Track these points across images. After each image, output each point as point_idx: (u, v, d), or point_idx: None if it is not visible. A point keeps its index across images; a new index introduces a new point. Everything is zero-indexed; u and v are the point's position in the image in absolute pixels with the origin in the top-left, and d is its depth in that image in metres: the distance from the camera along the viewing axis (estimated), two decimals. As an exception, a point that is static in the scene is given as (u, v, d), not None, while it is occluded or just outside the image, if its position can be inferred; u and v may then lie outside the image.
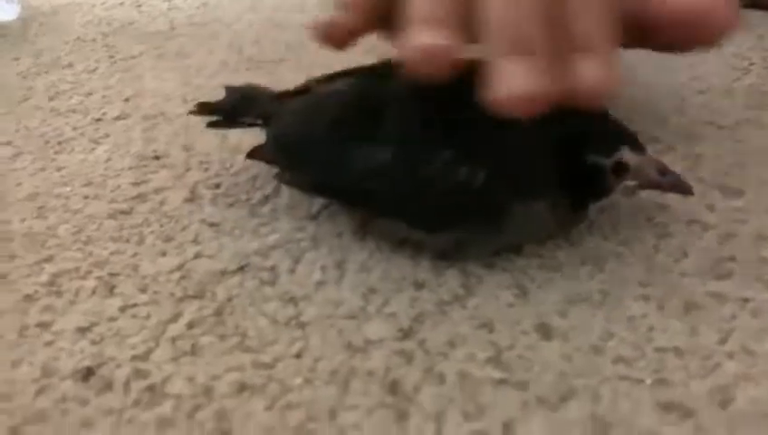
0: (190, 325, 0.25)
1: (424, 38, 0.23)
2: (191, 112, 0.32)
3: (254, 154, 0.30)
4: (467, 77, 0.25)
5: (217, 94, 0.33)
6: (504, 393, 0.21)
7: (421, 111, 0.26)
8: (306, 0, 0.58)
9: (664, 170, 0.26)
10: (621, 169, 0.26)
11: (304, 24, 0.30)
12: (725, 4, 0.25)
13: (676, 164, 0.29)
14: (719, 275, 0.25)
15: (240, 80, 0.35)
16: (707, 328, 0.23)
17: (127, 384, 0.23)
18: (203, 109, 0.32)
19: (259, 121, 0.30)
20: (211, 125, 0.32)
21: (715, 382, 0.21)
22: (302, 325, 0.24)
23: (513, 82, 0.22)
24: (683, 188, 0.26)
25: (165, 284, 0.27)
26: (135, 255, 0.29)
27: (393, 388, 0.22)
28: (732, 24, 0.25)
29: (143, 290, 0.27)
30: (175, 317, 0.25)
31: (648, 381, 0.21)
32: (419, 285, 0.26)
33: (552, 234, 0.26)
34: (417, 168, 0.25)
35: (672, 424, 0.20)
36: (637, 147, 0.26)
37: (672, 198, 0.30)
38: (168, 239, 0.29)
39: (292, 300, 0.26)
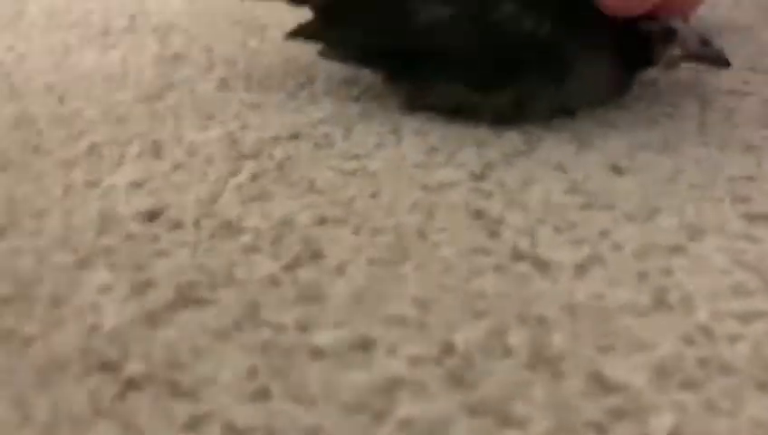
0: (254, 177, 0.24)
1: None
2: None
3: (295, 33, 0.30)
4: None
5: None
6: (592, 214, 0.21)
7: None
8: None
9: (705, 41, 0.27)
10: (669, 35, 0.26)
11: None
12: None
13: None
14: (769, 125, 0.26)
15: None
16: (771, 161, 0.24)
17: (197, 223, 0.21)
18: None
19: None
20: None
21: (791, 198, 0.22)
22: (370, 174, 0.24)
23: None
24: (722, 61, 0.27)
25: (216, 147, 0.26)
26: (176, 128, 0.27)
27: (479, 214, 0.21)
28: None
29: (193, 154, 0.25)
30: (234, 172, 0.24)
31: (728, 199, 0.22)
32: (481, 143, 0.26)
33: (607, 94, 0.27)
34: (482, 19, 0.25)
35: (760, 228, 0.20)
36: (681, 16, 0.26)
37: (706, 74, 0.31)
38: (209, 117, 0.28)
39: (355, 157, 0.25)
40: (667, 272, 0.19)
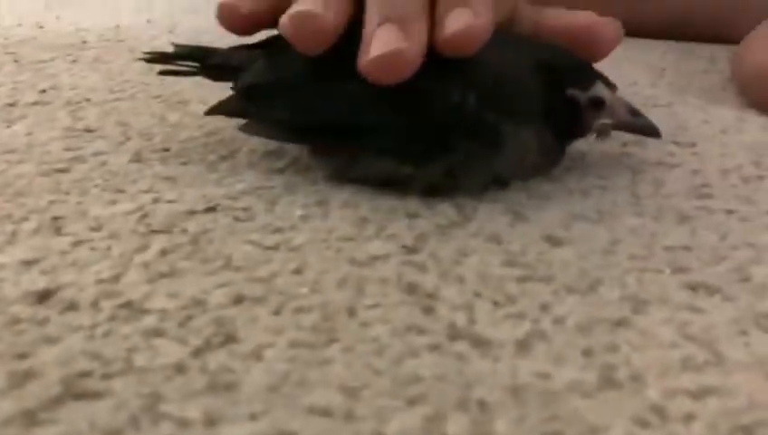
0: (163, 253, 0.21)
1: (299, 6, 0.24)
2: (142, 59, 0.30)
3: (216, 109, 0.28)
4: None
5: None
6: (531, 287, 0.20)
7: None
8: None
9: (634, 112, 0.27)
10: (597, 105, 0.26)
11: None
12: (608, 23, 0.28)
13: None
14: (700, 196, 0.26)
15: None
16: (705, 231, 0.23)
17: (95, 304, 0.19)
18: (158, 58, 0.30)
19: (233, 62, 0.28)
20: (166, 73, 0.30)
21: (729, 266, 0.21)
22: (294, 248, 0.22)
23: (382, 44, 0.23)
24: (653, 131, 0.27)
25: (123, 222, 0.23)
26: (80, 203, 0.25)
27: (412, 289, 0.20)
28: (615, 40, 0.28)
29: (97, 229, 0.23)
30: (141, 248, 0.22)
31: (668, 271, 0.21)
32: (413, 215, 0.24)
33: (540, 164, 0.26)
34: (408, 94, 0.25)
35: (702, 298, 0.19)
36: (609, 84, 0.27)
37: (633, 147, 0.31)
38: (118, 191, 0.26)
39: (278, 230, 0.23)
40: (613, 347, 0.17)
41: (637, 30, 0.54)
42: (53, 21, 0.60)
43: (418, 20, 0.24)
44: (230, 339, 0.17)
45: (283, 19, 0.25)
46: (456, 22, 0.24)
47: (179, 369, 0.16)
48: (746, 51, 0.38)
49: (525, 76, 0.25)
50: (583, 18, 0.28)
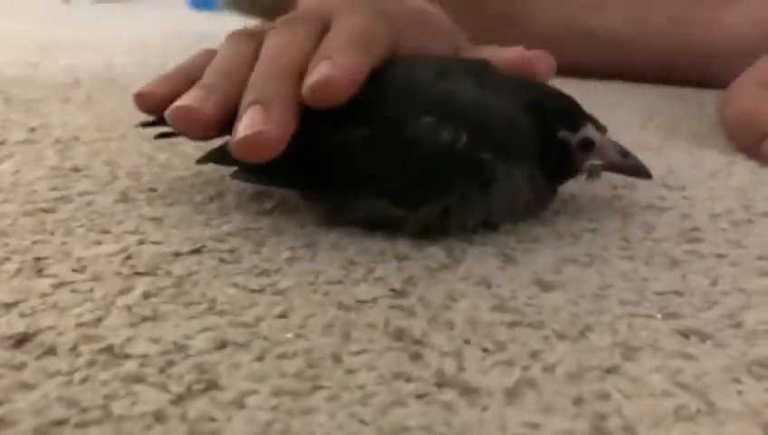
0: (146, 296, 0.21)
1: (181, 99, 0.26)
2: (140, 125, 0.30)
3: (206, 158, 0.28)
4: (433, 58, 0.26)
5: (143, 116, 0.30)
6: (521, 332, 0.20)
7: (393, 87, 0.26)
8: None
9: (624, 153, 0.27)
10: (587, 146, 0.26)
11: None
12: (540, 56, 0.30)
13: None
14: (690, 240, 0.26)
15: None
16: (696, 275, 0.23)
17: (74, 349, 0.18)
18: (153, 122, 0.30)
19: None
20: (163, 136, 0.29)
21: (720, 312, 0.21)
22: (280, 292, 0.22)
23: (246, 126, 0.24)
24: (643, 172, 0.27)
25: (107, 264, 0.23)
26: (64, 244, 0.25)
27: (399, 335, 0.19)
28: (548, 69, 0.30)
29: (80, 271, 0.23)
30: (125, 290, 0.21)
31: (659, 316, 0.21)
32: (402, 258, 0.24)
33: (529, 205, 0.26)
34: (399, 135, 0.25)
35: (694, 345, 0.19)
36: (598, 125, 0.27)
37: (623, 190, 0.31)
38: (103, 231, 0.26)
39: (264, 273, 0.23)
40: (604, 396, 0.17)
41: (626, 74, 0.55)
42: (47, 60, 0.60)
43: (280, 100, 0.25)
44: (212, 386, 0.17)
45: (167, 111, 0.27)
46: (315, 75, 0.25)
47: (159, 417, 0.16)
48: (732, 96, 0.38)
49: (517, 116, 0.25)
50: (517, 53, 0.30)
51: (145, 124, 0.30)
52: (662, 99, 0.50)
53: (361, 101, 0.26)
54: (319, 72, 0.25)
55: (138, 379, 0.17)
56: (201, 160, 0.28)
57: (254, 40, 0.29)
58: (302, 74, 0.26)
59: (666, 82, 0.54)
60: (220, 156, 0.27)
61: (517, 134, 0.25)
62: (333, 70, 0.25)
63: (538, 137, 0.26)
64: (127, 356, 0.18)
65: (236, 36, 0.30)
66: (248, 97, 0.25)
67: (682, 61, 0.53)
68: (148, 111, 0.29)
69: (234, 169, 0.27)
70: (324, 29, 0.28)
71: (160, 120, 0.29)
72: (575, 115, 0.26)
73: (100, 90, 0.48)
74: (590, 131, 0.26)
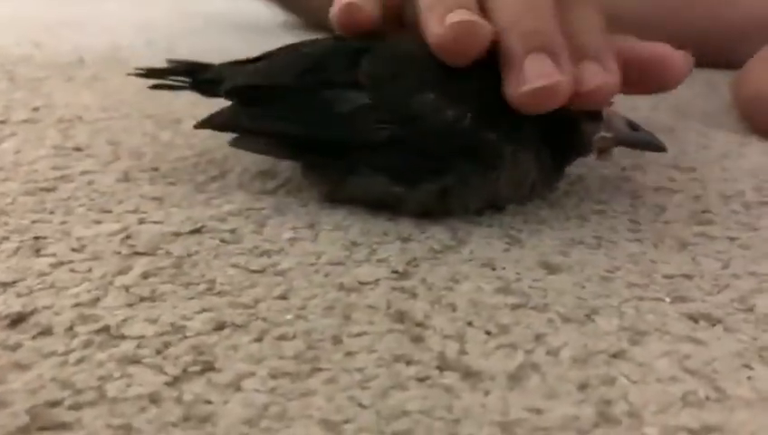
0: (145, 276, 0.21)
1: (454, 16, 0.24)
2: (133, 74, 0.30)
3: (205, 123, 0.27)
4: None
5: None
6: (525, 315, 0.19)
7: (398, 59, 0.25)
8: (227, 47, 0.57)
9: (635, 126, 0.26)
10: (594, 117, 0.26)
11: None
12: (680, 54, 0.28)
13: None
14: (701, 222, 0.25)
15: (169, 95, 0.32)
16: (706, 258, 0.23)
17: (70, 329, 0.18)
18: (150, 73, 0.29)
19: (225, 76, 0.28)
20: (157, 87, 0.29)
21: (731, 296, 0.20)
22: (281, 272, 0.21)
23: (538, 75, 0.23)
24: (656, 145, 0.26)
25: (106, 244, 0.23)
26: (64, 223, 0.24)
27: (400, 317, 0.19)
28: (686, 70, 0.28)
29: (79, 250, 0.22)
30: (123, 270, 0.21)
31: (668, 300, 0.20)
32: (405, 239, 0.24)
33: (536, 186, 0.26)
34: (401, 109, 0.24)
35: (703, 329, 0.19)
36: None
37: (632, 172, 0.30)
38: (104, 211, 0.25)
39: (265, 253, 0.22)
40: (610, 381, 0.16)
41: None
42: (53, 40, 0.60)
43: (564, 53, 0.24)
44: (209, 368, 0.17)
45: (333, 9, 0.26)
46: (595, 77, 0.24)
47: (154, 399, 0.16)
48: (747, 76, 0.37)
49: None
50: (657, 48, 0.28)
51: (139, 74, 0.30)
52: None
53: (366, 67, 0.25)
54: (598, 78, 0.24)
55: (134, 360, 0.17)
56: (199, 125, 0.28)
57: None
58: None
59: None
60: (220, 122, 0.27)
61: (524, 115, 0.24)
62: (609, 78, 0.24)
63: (544, 118, 0.25)
64: (123, 337, 0.18)
65: None
66: (524, 39, 0.24)
67: (697, 41, 0.52)
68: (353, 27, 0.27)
69: (233, 136, 0.27)
70: None
71: (154, 72, 0.30)
72: None
73: (105, 69, 0.48)
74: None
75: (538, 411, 0.15)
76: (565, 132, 0.25)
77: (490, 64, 0.25)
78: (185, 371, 0.17)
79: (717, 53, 0.50)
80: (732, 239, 0.24)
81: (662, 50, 0.28)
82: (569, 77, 0.23)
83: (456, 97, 0.24)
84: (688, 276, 0.21)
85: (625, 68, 0.26)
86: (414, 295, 0.20)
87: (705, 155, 0.33)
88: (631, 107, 0.41)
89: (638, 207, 0.26)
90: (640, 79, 0.27)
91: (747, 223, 0.25)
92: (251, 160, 0.30)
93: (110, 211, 0.25)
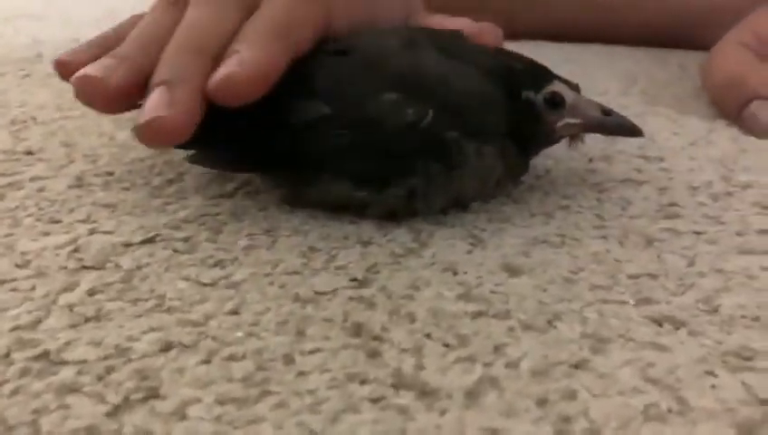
0: (91, 293, 0.20)
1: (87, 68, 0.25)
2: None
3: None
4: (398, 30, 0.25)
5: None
6: (485, 324, 0.19)
7: (357, 62, 0.25)
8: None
9: (606, 111, 0.25)
10: (556, 103, 0.25)
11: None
12: (488, 29, 0.29)
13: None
14: (667, 216, 0.25)
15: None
16: (672, 256, 0.22)
17: (7, 356, 0.17)
18: None
19: None
20: None
21: (696, 296, 0.20)
22: (233, 285, 0.20)
23: (144, 110, 0.23)
24: (631, 129, 0.25)
25: (52, 258, 0.22)
26: (9, 236, 0.23)
27: (357, 330, 0.18)
28: (496, 44, 0.29)
29: (23, 266, 0.21)
30: (69, 287, 0.20)
31: (632, 302, 0.20)
32: (366, 243, 0.23)
33: (501, 182, 0.25)
34: (362, 112, 0.23)
35: (667, 333, 0.18)
36: (570, 84, 0.25)
37: (599, 163, 0.30)
38: (53, 221, 0.24)
39: (219, 263, 0.22)
40: (571, 395, 0.16)
41: (611, 38, 0.53)
42: (9, 33, 0.58)
43: (186, 83, 0.23)
44: (153, 394, 0.16)
45: (72, 79, 0.25)
46: (221, 71, 0.23)
47: (91, 432, 0.15)
48: (716, 60, 0.37)
49: (486, 90, 0.24)
50: (464, 24, 0.28)
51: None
52: (644, 62, 0.48)
53: (323, 75, 0.24)
54: (225, 69, 0.23)
55: (73, 389, 0.16)
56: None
57: (177, 8, 0.27)
58: (217, 57, 0.24)
59: (649, 44, 0.52)
60: None
61: (486, 109, 0.24)
62: (239, 67, 0.23)
63: (507, 104, 0.24)
64: (63, 363, 0.17)
65: (161, 3, 0.28)
66: (156, 75, 0.24)
67: (669, 22, 0.51)
68: (66, 80, 0.27)
69: (190, 152, 0.26)
70: (253, 4, 0.26)
71: None
72: (539, 74, 0.25)
73: (61, 64, 0.46)
74: (556, 87, 0.25)
75: (495, 432, 0.15)
76: (526, 123, 0.24)
77: (456, 59, 0.24)
78: (127, 399, 0.16)
79: (689, 35, 0.50)
80: (698, 234, 0.23)
81: (467, 24, 0.29)
82: (177, 111, 0.23)
83: (417, 96, 0.23)
84: (653, 276, 0.21)
85: None
86: (372, 305, 0.19)
87: (674, 143, 0.32)
88: (602, 91, 0.40)
89: (603, 202, 0.26)
90: None
91: (714, 216, 0.25)
92: (209, 161, 0.29)
93: (59, 221, 0.24)
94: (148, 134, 0.23)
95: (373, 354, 0.17)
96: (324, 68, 0.24)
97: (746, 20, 0.38)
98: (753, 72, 0.34)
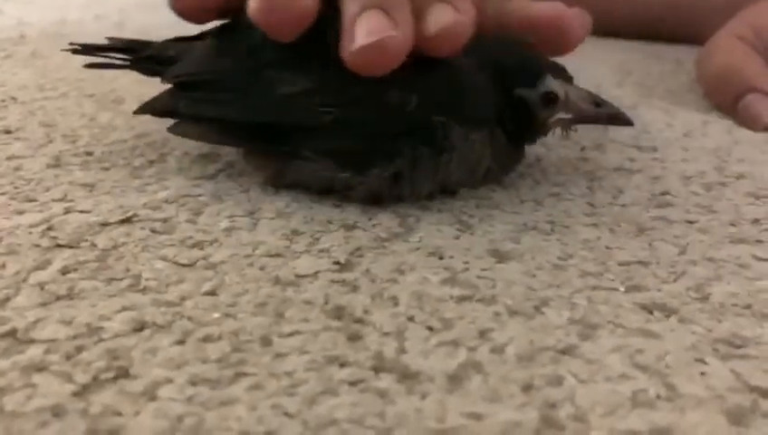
0: (64, 271, 0.19)
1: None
2: (67, 50, 0.28)
3: (143, 109, 0.26)
4: None
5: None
6: (470, 308, 0.18)
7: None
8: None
9: (598, 101, 0.25)
10: (550, 100, 0.24)
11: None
12: (576, 16, 0.27)
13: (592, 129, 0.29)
14: (659, 205, 0.24)
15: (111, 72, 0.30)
16: (664, 244, 0.22)
17: (-27, 334, 0.17)
18: (86, 49, 0.27)
19: (166, 54, 0.26)
20: (94, 66, 0.27)
21: (687, 284, 0.19)
22: (212, 266, 0.20)
23: (367, 33, 0.21)
24: (622, 118, 0.25)
25: (25, 236, 0.21)
26: (-19, 214, 0.23)
27: (338, 313, 0.18)
28: (583, 32, 0.26)
29: (-6, 244, 0.21)
30: (41, 265, 0.19)
31: (622, 289, 0.19)
32: (350, 226, 0.22)
33: (491, 170, 0.24)
34: (346, 90, 0.22)
35: (657, 321, 0.18)
36: (564, 77, 0.25)
37: (592, 152, 0.29)
38: (28, 200, 0.24)
39: (197, 245, 0.21)
40: (557, 380, 0.15)
41: (606, 30, 0.53)
42: (-6, 14, 0.57)
43: (403, 7, 0.22)
44: (122, 374, 0.15)
45: (252, 3, 0.23)
46: (441, 18, 0.22)
47: (56, 413, 0.14)
48: (710, 52, 0.36)
49: (474, 76, 0.23)
50: (550, 9, 0.27)
51: (74, 50, 0.28)
52: (640, 55, 0.48)
53: (311, 47, 0.24)
54: (445, 17, 0.22)
55: (40, 368, 0.15)
56: (138, 111, 0.26)
57: None
58: None
59: (644, 38, 0.52)
60: (160, 108, 0.25)
61: (473, 95, 0.23)
62: (459, 17, 0.22)
63: (497, 96, 0.24)
64: (31, 341, 0.16)
65: None
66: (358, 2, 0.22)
67: (665, 14, 0.51)
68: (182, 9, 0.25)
69: (173, 121, 0.25)
70: None
71: (90, 48, 0.28)
72: (533, 69, 0.24)
73: (46, 46, 0.45)
74: (550, 84, 0.24)
75: (477, 417, 0.14)
76: (519, 118, 0.24)
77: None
78: (95, 378, 0.15)
79: (685, 29, 0.49)
80: (690, 223, 0.23)
81: (557, 11, 0.27)
82: (403, 30, 0.22)
83: (404, 79, 0.23)
84: (644, 263, 0.20)
85: (519, 28, 0.25)
86: (355, 289, 0.19)
87: (668, 134, 0.32)
88: (596, 84, 0.40)
89: (595, 190, 0.25)
90: (537, 42, 0.25)
91: (706, 205, 0.24)
92: (193, 143, 0.28)
93: (34, 200, 0.24)
94: (373, 56, 0.22)
95: (354, 337, 0.17)
96: (313, 40, 0.24)
97: (743, 13, 0.37)
98: (748, 64, 0.34)
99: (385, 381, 0.15)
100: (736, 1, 0.40)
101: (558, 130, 0.25)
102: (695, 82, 0.39)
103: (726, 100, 0.34)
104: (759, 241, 0.22)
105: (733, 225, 0.23)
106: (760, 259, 0.21)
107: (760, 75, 0.33)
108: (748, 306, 0.18)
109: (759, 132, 0.32)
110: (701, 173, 0.27)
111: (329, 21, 0.23)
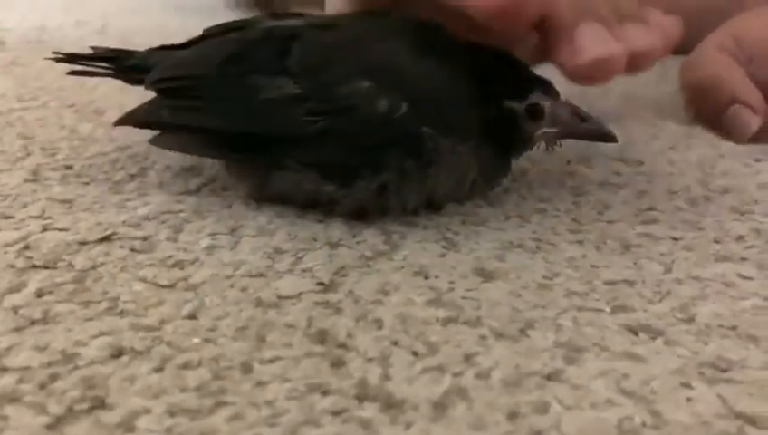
0: (39, 293, 0.19)
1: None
2: (50, 58, 0.27)
3: (124, 120, 0.25)
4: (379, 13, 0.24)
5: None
6: (456, 331, 0.18)
7: (331, 45, 0.24)
8: (165, 27, 0.54)
9: (584, 117, 0.25)
10: (537, 114, 0.24)
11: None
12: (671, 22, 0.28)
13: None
14: (645, 221, 0.24)
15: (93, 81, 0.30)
16: (649, 262, 0.21)
17: (-57, 362, 0.16)
18: (70, 58, 0.27)
19: (149, 63, 0.26)
20: (76, 73, 0.27)
21: (673, 304, 0.19)
22: (192, 287, 0.19)
23: (591, 45, 0.23)
24: (606, 136, 0.25)
25: (1, 256, 0.21)
26: (-45, 232, 0.22)
27: (321, 337, 0.17)
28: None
29: (-32, 264, 0.20)
30: (16, 288, 0.19)
31: (608, 310, 0.19)
32: (334, 244, 0.22)
33: (477, 183, 0.24)
34: (332, 99, 0.22)
35: (643, 343, 0.18)
36: (550, 91, 0.25)
37: (578, 165, 0.29)
38: (4, 217, 0.23)
39: (177, 264, 0.21)
40: (543, 407, 0.15)
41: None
42: (-27, 20, 0.56)
43: (612, 20, 0.23)
44: (98, 404, 0.15)
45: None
46: (640, 41, 0.24)
47: (29, 447, 0.14)
48: (692, 63, 0.36)
49: (461, 87, 0.23)
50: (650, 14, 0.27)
51: (58, 59, 0.28)
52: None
53: (298, 52, 0.23)
54: (647, 41, 0.24)
55: (13, 398, 0.15)
56: (119, 122, 0.25)
57: None
58: None
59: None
60: (141, 118, 0.25)
61: (462, 107, 0.23)
62: (655, 38, 0.24)
63: (484, 108, 0.24)
64: (4, 370, 0.16)
65: None
66: (575, 8, 0.23)
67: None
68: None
69: (155, 133, 0.25)
70: None
71: (74, 58, 0.28)
72: (522, 82, 0.24)
73: (26, 53, 0.45)
74: (538, 98, 0.24)
75: (462, 448, 0.14)
76: (505, 130, 0.24)
77: (431, 50, 0.24)
78: (70, 409, 0.15)
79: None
80: (675, 240, 0.23)
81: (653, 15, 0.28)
82: (623, 45, 0.23)
83: (392, 86, 0.22)
84: (630, 282, 0.20)
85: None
86: (338, 311, 0.19)
87: (653, 146, 0.32)
88: (580, 95, 0.40)
89: (581, 205, 0.25)
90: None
91: (692, 221, 0.24)
92: (175, 156, 0.28)
93: (11, 217, 0.23)
94: (602, 68, 0.23)
95: (337, 363, 0.17)
96: (299, 46, 0.23)
97: (726, 24, 0.37)
98: (731, 75, 0.34)
99: (368, 411, 0.15)
100: (719, 11, 0.40)
101: (543, 144, 0.25)
102: (678, 91, 0.39)
103: (709, 111, 0.34)
104: (743, 259, 0.22)
105: (717, 242, 0.23)
106: (744, 277, 0.21)
107: (742, 87, 0.33)
108: (733, 327, 0.18)
109: (742, 144, 0.32)
110: (686, 187, 0.27)
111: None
